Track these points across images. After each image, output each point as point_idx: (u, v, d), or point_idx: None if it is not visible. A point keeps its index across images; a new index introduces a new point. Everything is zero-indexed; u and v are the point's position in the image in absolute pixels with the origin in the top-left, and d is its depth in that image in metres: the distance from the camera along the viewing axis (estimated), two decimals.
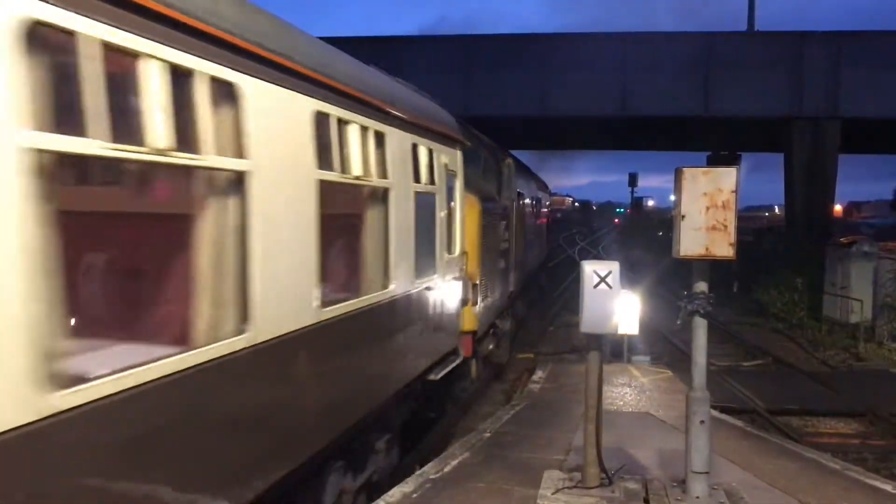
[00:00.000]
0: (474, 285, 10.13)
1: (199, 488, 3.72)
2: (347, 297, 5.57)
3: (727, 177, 5.10)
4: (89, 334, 3.32)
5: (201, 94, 3.60)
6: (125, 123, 3.07)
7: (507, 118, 25.04)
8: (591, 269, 5.23)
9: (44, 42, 2.67)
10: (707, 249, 5.15)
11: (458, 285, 9.06)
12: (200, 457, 3.72)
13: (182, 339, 3.67)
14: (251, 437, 4.20)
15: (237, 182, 3.94)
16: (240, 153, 3.93)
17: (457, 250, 9.05)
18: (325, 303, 5.01)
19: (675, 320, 5.37)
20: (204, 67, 3.61)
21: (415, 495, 5.92)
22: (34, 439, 2.59)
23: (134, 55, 3.16)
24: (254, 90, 4.08)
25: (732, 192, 5.09)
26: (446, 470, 6.65)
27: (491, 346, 12.71)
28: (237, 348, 3.92)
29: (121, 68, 3.08)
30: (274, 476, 4.37)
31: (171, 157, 3.32)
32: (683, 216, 5.15)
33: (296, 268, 4.64)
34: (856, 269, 17.96)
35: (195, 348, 3.61)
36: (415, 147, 7.15)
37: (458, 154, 9.21)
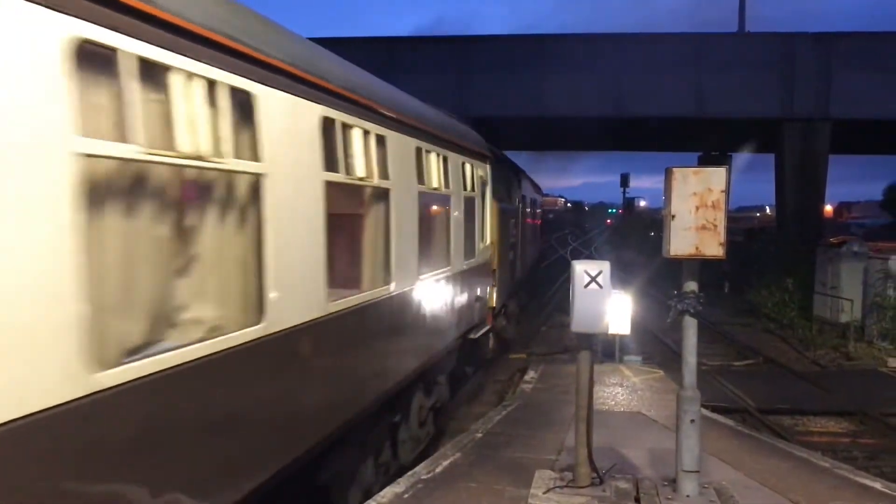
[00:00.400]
0: (493, 270, 12.56)
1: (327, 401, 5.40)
2: (431, 270, 8.18)
3: (717, 176, 5.13)
4: (133, 322, 3.58)
5: (224, 102, 3.94)
6: (157, 131, 3.41)
7: (503, 119, 25.08)
8: (582, 269, 5.24)
9: (90, 58, 2.99)
10: (697, 249, 5.17)
11: (489, 269, 12.04)
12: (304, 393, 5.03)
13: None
14: (373, 364, 6.41)
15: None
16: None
17: (487, 241, 11.92)
18: (422, 272, 7.72)
19: (667, 320, 5.38)
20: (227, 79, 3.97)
21: (406, 495, 5.92)
22: (81, 413, 2.93)
23: (166, 69, 3.52)
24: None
25: (722, 191, 5.12)
26: (438, 470, 6.65)
27: (504, 323, 15.00)
28: (347, 306, 5.60)
29: (153, 81, 3.43)
30: (389, 386, 6.81)
31: (202, 161, 3.74)
32: (673, 216, 5.17)
33: (380, 255, 6.61)
34: (846, 269, 18.04)
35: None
36: (463, 164, 9.91)
37: (488, 167, 12.00)
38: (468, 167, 10.25)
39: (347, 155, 5.64)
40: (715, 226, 5.12)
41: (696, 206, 5.12)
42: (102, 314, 3.11)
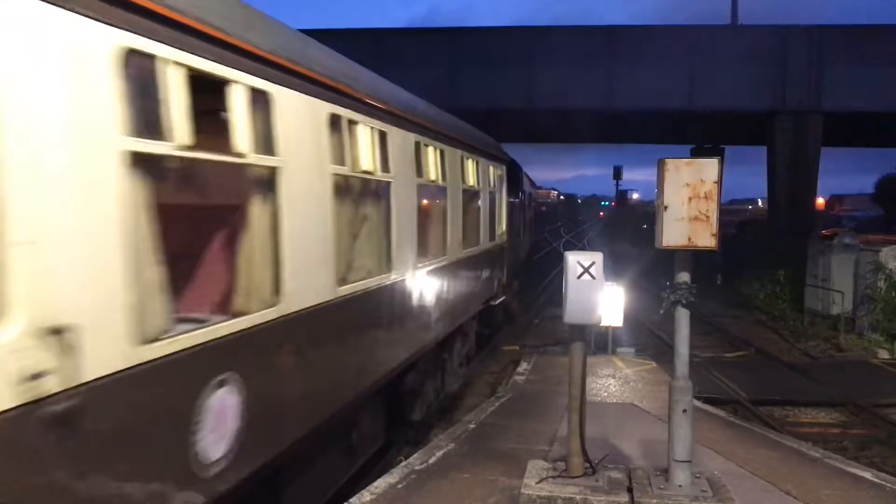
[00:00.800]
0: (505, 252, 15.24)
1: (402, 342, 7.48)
2: (469, 248, 10.73)
3: (710, 167, 5.13)
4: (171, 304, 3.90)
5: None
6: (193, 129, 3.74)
7: (494, 111, 25.05)
8: (575, 260, 5.24)
9: (133, 65, 3.28)
10: (689, 240, 5.18)
11: (504, 251, 14.80)
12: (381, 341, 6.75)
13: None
14: (433, 315, 8.58)
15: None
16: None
17: (504, 227, 14.58)
18: (465, 248, 10.32)
19: (659, 311, 5.40)
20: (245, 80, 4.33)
21: (400, 486, 5.93)
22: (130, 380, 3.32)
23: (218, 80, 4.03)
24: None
25: (715, 182, 5.12)
26: (431, 461, 6.67)
27: (510, 297, 16.80)
28: (430, 266, 8.36)
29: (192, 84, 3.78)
30: (442, 332, 9.14)
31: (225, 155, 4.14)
32: (666, 207, 5.17)
33: (443, 235, 9.23)
34: (837, 262, 18.13)
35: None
36: (488, 167, 12.43)
37: (504, 167, 14.72)
38: (491, 169, 12.84)
39: (432, 168, 8.39)
40: (707, 217, 5.13)
41: (689, 196, 5.12)
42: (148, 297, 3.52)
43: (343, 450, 6.51)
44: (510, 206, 16.16)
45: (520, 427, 8.21)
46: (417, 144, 7.71)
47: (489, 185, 12.53)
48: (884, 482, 6.49)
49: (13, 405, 2.64)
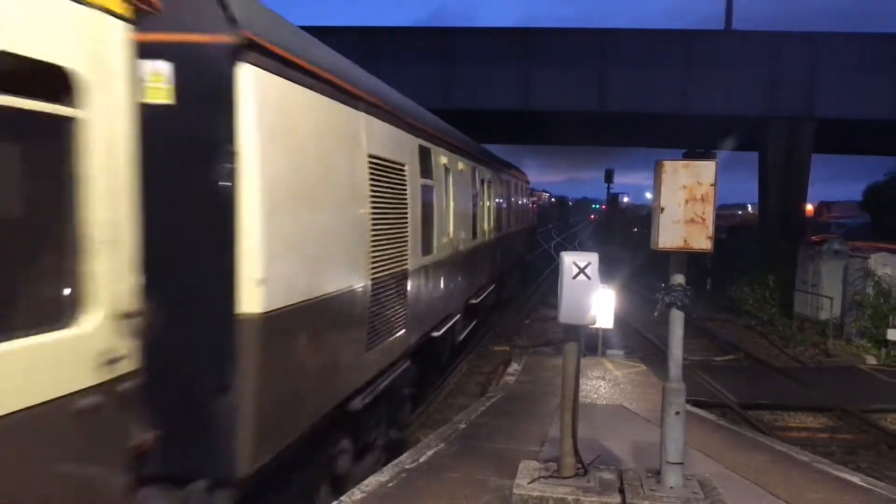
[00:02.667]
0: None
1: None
2: (496, 231, 16.64)
3: (706, 170, 5.14)
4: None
5: None
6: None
7: (488, 112, 25.07)
8: (571, 261, 5.24)
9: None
10: (685, 242, 5.19)
11: (521, 238, 23.25)
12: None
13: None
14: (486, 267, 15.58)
15: None
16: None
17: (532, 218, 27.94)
18: (479, 235, 14.33)
19: (649, 315, 5.42)
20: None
21: (390, 484, 5.91)
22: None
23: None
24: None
25: (711, 185, 5.13)
26: (422, 460, 6.65)
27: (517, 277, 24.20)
28: (482, 242, 14.67)
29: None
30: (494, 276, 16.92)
31: None
32: (662, 209, 5.18)
33: (496, 220, 16.68)
34: (826, 268, 18.22)
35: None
36: (518, 183, 22.19)
37: (526, 182, 24.73)
38: (521, 184, 22.64)
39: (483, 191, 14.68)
40: (703, 219, 5.14)
41: (686, 199, 5.13)
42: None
43: None
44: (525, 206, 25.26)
45: (510, 427, 8.20)
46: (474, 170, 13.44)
47: (521, 196, 22.11)
48: (872, 487, 6.52)
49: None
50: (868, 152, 37.95)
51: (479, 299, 14.19)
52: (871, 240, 23.52)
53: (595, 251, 5.56)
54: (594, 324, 5.51)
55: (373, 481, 5.96)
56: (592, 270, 5.22)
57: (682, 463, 5.38)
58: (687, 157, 5.43)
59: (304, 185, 4.93)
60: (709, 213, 5.12)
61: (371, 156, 6.39)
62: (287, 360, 4.72)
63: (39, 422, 2.71)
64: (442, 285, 10.18)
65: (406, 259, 7.72)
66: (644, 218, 63.00)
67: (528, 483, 5.46)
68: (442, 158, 10.29)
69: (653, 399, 9.77)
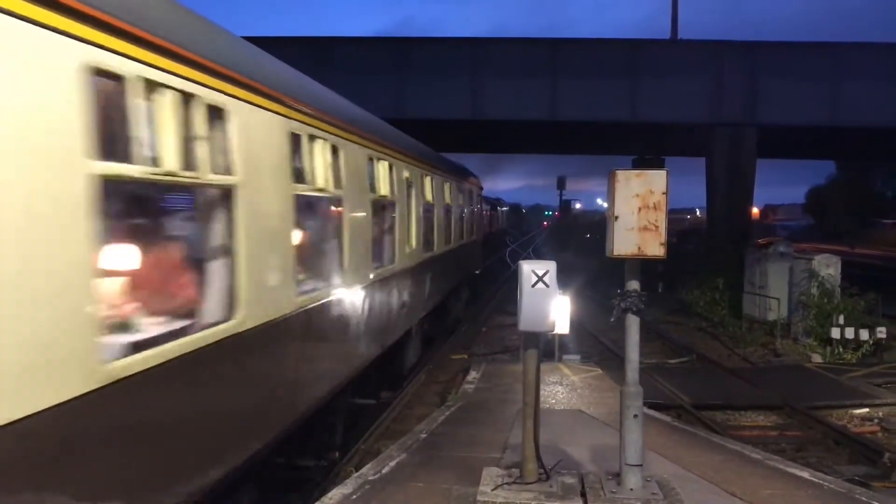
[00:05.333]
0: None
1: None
2: (466, 238, 19.86)
3: (658, 179, 5.29)
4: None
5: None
6: None
7: (440, 121, 25.18)
8: (530, 269, 5.33)
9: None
10: (639, 249, 5.32)
11: (478, 246, 23.69)
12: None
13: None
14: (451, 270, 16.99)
15: None
16: None
17: (477, 231, 23.45)
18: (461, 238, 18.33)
19: (605, 320, 5.56)
20: None
21: (354, 496, 5.90)
22: None
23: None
24: None
25: (663, 193, 5.28)
26: (385, 471, 6.65)
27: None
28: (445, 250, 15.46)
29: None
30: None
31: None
32: (616, 217, 5.31)
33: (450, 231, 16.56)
34: (773, 269, 18.76)
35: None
36: (470, 190, 20.91)
37: (478, 189, 23.39)
38: (475, 190, 22.27)
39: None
40: (656, 226, 5.28)
41: (639, 207, 5.26)
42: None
43: None
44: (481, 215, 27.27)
45: (471, 435, 8.25)
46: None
47: (473, 201, 21.80)
48: (821, 481, 6.75)
49: None
50: (809, 157, 39.24)
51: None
52: (813, 241, 24.27)
53: (551, 258, 5.66)
54: (553, 330, 5.61)
55: (336, 494, 5.94)
56: (551, 278, 5.31)
57: (641, 465, 5.50)
58: (636, 163, 5.58)
59: None
60: (661, 220, 5.27)
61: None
62: None
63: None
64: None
65: None
66: (596, 224, 64.03)
67: (492, 490, 5.52)
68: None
69: (609, 403, 9.93)
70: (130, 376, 3.61)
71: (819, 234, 61.26)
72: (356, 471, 7.15)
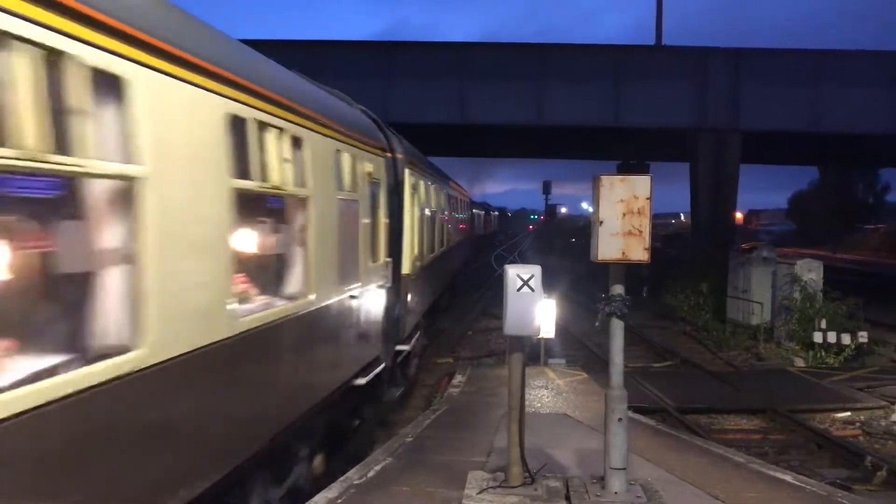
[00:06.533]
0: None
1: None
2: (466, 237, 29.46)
3: (643, 184, 5.33)
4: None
5: None
6: None
7: (427, 125, 25.19)
8: (515, 273, 5.35)
9: None
10: (623, 254, 5.36)
11: (468, 245, 31.29)
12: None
13: None
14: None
15: None
16: None
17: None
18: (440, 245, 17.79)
19: (590, 324, 5.60)
20: None
21: (339, 501, 5.89)
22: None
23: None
24: None
25: (648, 198, 5.32)
26: (370, 475, 6.64)
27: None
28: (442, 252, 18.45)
29: None
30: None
31: None
32: (601, 221, 5.35)
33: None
34: (756, 274, 18.90)
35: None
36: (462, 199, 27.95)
37: (470, 200, 33.74)
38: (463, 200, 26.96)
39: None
40: (640, 231, 5.32)
41: (623, 212, 5.31)
42: None
43: None
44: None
45: (457, 439, 8.26)
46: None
47: (463, 211, 26.15)
48: (803, 484, 6.81)
49: None
50: (792, 162, 39.58)
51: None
52: (796, 246, 24.50)
53: (534, 262, 5.69)
54: (538, 334, 5.63)
55: (321, 498, 5.93)
56: (536, 283, 5.34)
57: (625, 468, 5.54)
58: (621, 169, 5.64)
59: None
60: (646, 225, 5.31)
61: None
62: None
63: None
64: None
65: None
66: (581, 229, 64.28)
67: (477, 493, 5.53)
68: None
69: (595, 407, 9.97)
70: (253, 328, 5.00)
71: (802, 239, 61.85)
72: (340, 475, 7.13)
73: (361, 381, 8.10)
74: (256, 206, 5.74)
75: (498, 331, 18.31)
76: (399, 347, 10.58)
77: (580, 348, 17.46)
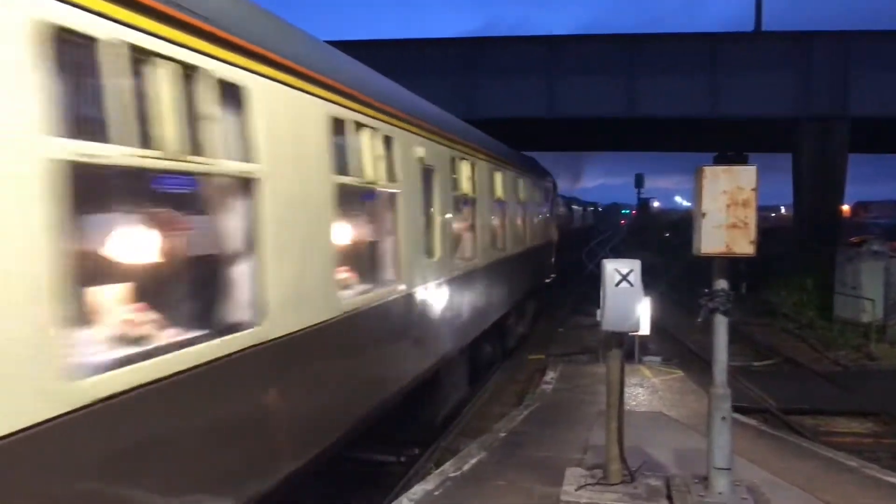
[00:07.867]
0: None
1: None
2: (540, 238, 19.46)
3: (747, 175, 5.14)
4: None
5: None
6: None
7: (514, 120, 25.09)
8: (613, 268, 5.27)
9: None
10: (727, 247, 5.18)
11: (552, 245, 22.48)
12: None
13: None
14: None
15: None
16: None
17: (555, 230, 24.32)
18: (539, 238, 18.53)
19: (686, 322, 5.45)
20: None
21: (437, 493, 5.96)
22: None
23: None
24: None
25: (753, 189, 5.13)
26: (465, 469, 6.69)
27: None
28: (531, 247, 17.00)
29: None
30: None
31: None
32: (704, 214, 5.19)
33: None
34: (866, 269, 17.90)
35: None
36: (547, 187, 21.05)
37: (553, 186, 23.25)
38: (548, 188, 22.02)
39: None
40: (746, 224, 5.13)
41: (727, 204, 5.13)
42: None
43: None
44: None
45: (551, 435, 8.20)
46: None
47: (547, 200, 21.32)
48: None
49: None
50: None
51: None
52: None
53: (635, 258, 5.57)
54: (637, 330, 5.53)
55: (419, 490, 6.02)
56: (635, 277, 5.24)
57: (730, 468, 5.36)
58: (717, 160, 5.43)
59: None
60: (751, 217, 5.12)
61: None
62: None
63: None
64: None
65: None
66: (675, 223, 62.46)
67: (576, 490, 5.48)
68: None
69: (691, 406, 9.71)
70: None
71: None
72: (436, 468, 7.21)
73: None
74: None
75: (590, 328, 18.17)
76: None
77: (676, 346, 17.01)
